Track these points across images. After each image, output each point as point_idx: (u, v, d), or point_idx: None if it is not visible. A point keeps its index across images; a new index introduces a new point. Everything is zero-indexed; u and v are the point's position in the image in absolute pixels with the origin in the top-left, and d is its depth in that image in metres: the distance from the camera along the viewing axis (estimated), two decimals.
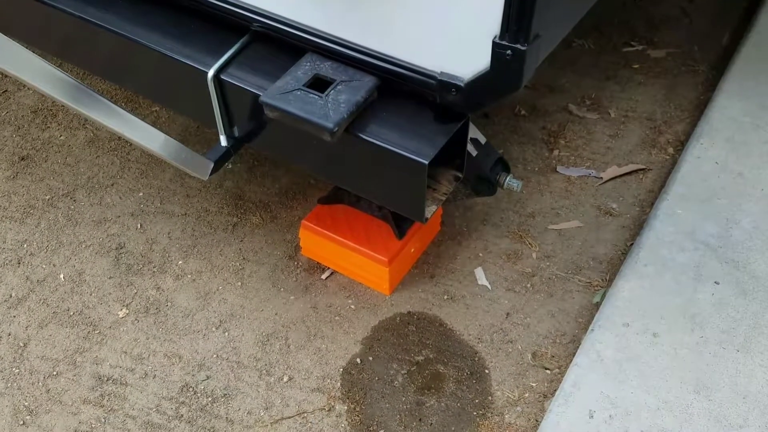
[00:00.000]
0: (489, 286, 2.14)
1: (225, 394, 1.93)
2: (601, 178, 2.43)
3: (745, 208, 2.15)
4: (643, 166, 2.45)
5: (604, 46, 2.92)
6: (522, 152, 2.51)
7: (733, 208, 2.15)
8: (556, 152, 2.52)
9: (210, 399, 1.92)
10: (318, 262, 2.20)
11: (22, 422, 1.88)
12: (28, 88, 1.59)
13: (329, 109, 1.38)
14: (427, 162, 1.39)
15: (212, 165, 1.62)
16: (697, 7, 3.09)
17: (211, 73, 1.54)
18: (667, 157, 2.48)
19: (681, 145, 2.49)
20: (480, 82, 1.34)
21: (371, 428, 1.85)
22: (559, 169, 2.46)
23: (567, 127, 2.60)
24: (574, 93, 2.73)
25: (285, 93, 1.40)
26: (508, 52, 1.25)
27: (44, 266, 2.22)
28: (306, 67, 1.46)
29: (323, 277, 2.17)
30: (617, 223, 2.30)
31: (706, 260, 2.03)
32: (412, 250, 2.14)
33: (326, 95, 1.40)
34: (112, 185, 2.44)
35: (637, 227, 2.25)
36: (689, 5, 3.10)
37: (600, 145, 2.54)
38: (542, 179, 2.43)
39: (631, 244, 2.17)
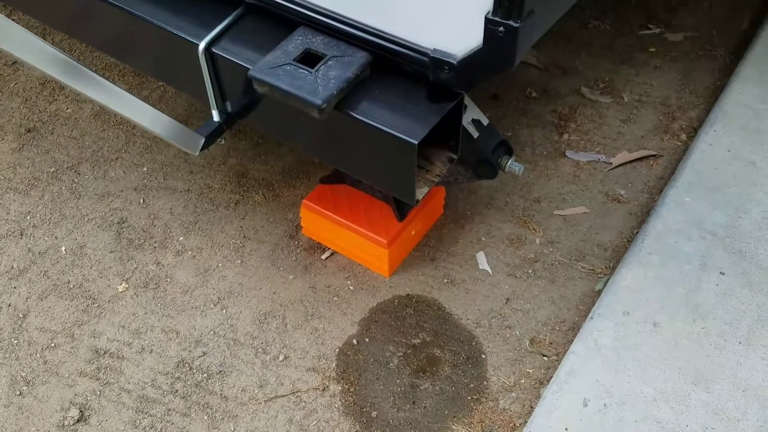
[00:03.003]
0: (490, 271, 2.11)
1: (220, 371, 1.92)
2: (611, 163, 2.37)
3: (756, 197, 2.09)
4: (655, 153, 2.40)
5: (620, 28, 2.85)
6: (531, 135, 2.47)
7: (743, 198, 2.09)
8: (565, 136, 2.47)
9: (205, 375, 1.92)
10: (318, 242, 2.19)
11: (18, 392, 1.90)
12: (31, 65, 1.60)
13: (318, 85, 1.35)
14: (416, 142, 1.35)
15: (203, 140, 1.60)
16: None
17: (202, 45, 1.52)
18: (680, 143, 2.42)
19: (694, 131, 2.43)
20: (473, 59, 1.30)
21: (365, 409, 1.84)
22: (568, 153, 2.41)
23: (578, 110, 2.55)
24: (588, 76, 2.67)
25: (274, 67, 1.38)
26: (501, 28, 1.21)
27: (46, 238, 2.23)
28: (297, 41, 1.44)
29: (323, 257, 2.16)
30: (625, 209, 2.25)
31: (712, 250, 1.98)
32: (413, 232, 2.12)
33: (316, 70, 1.38)
34: (117, 159, 2.44)
35: (645, 215, 2.20)
36: None
37: (611, 129, 2.48)
38: (550, 163, 2.38)
39: (637, 232, 2.12)
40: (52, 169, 2.42)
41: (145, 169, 2.41)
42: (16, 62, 2.78)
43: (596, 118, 2.52)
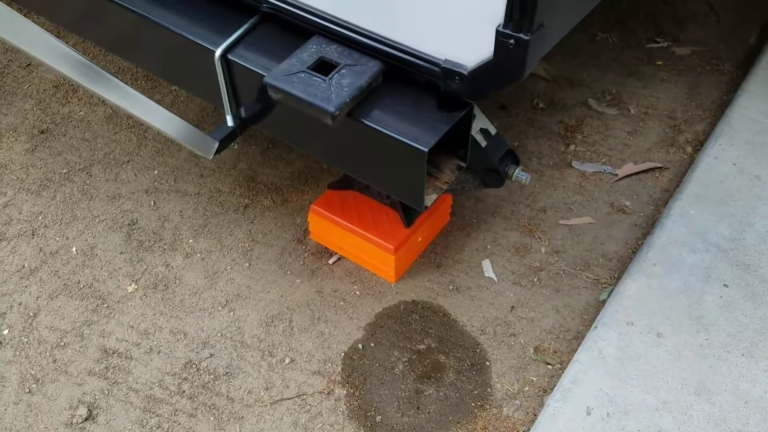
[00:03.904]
0: (495, 279, 2.13)
1: (227, 373, 1.95)
2: (617, 174, 2.40)
3: (760, 211, 2.11)
4: (660, 165, 2.42)
5: (628, 41, 2.87)
6: (537, 146, 2.49)
7: (747, 211, 2.11)
8: (572, 147, 2.49)
9: (212, 377, 1.94)
10: (326, 247, 2.21)
11: (28, 390, 1.92)
12: (47, 65, 1.64)
13: (332, 93, 1.38)
14: (427, 149, 1.38)
15: (217, 144, 1.63)
16: (725, 4, 3.03)
17: (218, 52, 1.55)
18: (685, 156, 2.44)
19: (700, 144, 2.45)
20: (483, 70, 1.33)
21: (369, 413, 1.86)
22: (574, 164, 2.43)
23: (585, 122, 2.57)
24: (595, 87, 2.69)
25: (289, 75, 1.41)
26: (511, 41, 1.24)
27: (57, 239, 2.26)
28: (312, 50, 1.47)
29: (330, 262, 2.18)
30: (630, 221, 2.27)
31: (716, 262, 1.99)
32: (420, 239, 2.14)
33: (330, 78, 1.41)
34: (128, 162, 2.47)
35: (650, 226, 2.22)
36: (718, 2, 3.04)
37: (618, 141, 2.51)
38: (556, 174, 2.41)
39: (642, 243, 2.14)
40: (64, 171, 2.45)
41: (156, 172, 2.44)
42: (30, 64, 2.81)
43: (603, 129, 2.55)
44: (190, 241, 2.25)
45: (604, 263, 2.16)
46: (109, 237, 2.26)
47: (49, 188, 2.39)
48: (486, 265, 2.17)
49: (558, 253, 2.19)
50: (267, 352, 1.98)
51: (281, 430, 1.84)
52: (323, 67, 1.45)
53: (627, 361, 1.82)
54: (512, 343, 1.99)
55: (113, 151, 2.50)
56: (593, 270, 2.14)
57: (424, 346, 1.99)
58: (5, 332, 2.04)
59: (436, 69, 1.39)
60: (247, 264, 2.18)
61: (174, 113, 1.63)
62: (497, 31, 1.25)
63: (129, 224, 2.29)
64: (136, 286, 2.14)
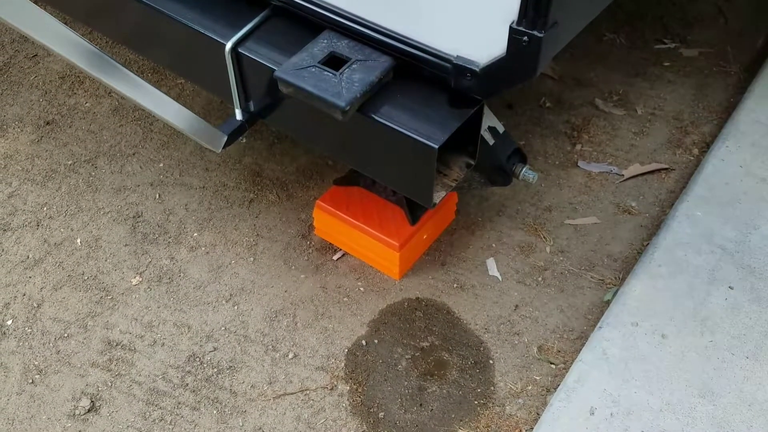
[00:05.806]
0: (499, 277, 2.13)
1: (230, 367, 1.95)
2: (623, 175, 2.39)
3: (766, 214, 2.10)
4: (667, 166, 2.41)
5: (635, 42, 2.87)
6: (544, 145, 2.49)
7: (753, 213, 2.11)
8: (578, 147, 2.49)
9: (215, 370, 1.94)
10: (330, 243, 2.21)
11: (31, 381, 1.92)
12: (57, 54, 1.64)
13: (342, 88, 1.37)
14: (437, 146, 1.38)
15: (225, 138, 1.63)
16: (733, 6, 3.02)
17: (228, 45, 1.54)
18: (692, 158, 2.44)
19: (707, 146, 2.45)
20: (495, 67, 1.32)
21: (372, 410, 1.86)
22: (580, 163, 2.43)
23: (592, 121, 2.57)
24: (602, 88, 2.69)
25: (300, 69, 1.40)
26: (525, 38, 1.24)
27: (62, 230, 2.25)
28: (323, 44, 1.46)
29: (334, 258, 2.18)
30: (635, 221, 2.26)
31: (722, 264, 1.99)
32: (425, 236, 2.14)
33: (340, 73, 1.40)
34: (134, 154, 2.46)
35: (656, 227, 2.21)
36: (726, 4, 3.03)
37: (624, 142, 2.50)
38: (562, 173, 2.40)
39: (647, 244, 2.14)
40: (69, 162, 2.44)
41: (161, 165, 2.43)
42: (36, 55, 2.81)
43: (609, 129, 2.54)
44: (195, 234, 2.24)
45: (609, 264, 2.16)
46: (114, 229, 2.25)
47: (54, 179, 2.39)
48: (490, 263, 2.16)
49: (563, 253, 2.18)
50: (270, 347, 1.98)
51: (284, 424, 1.84)
52: (334, 62, 1.44)
53: (631, 361, 1.82)
54: (516, 342, 1.99)
55: (119, 144, 2.50)
56: (598, 270, 2.14)
57: (427, 344, 1.99)
58: (9, 323, 2.04)
59: (448, 65, 1.39)
60: (252, 258, 2.18)
61: (193, 109, 1.63)
62: (511, 28, 1.25)
63: (134, 217, 2.29)
64: (141, 279, 2.14)
